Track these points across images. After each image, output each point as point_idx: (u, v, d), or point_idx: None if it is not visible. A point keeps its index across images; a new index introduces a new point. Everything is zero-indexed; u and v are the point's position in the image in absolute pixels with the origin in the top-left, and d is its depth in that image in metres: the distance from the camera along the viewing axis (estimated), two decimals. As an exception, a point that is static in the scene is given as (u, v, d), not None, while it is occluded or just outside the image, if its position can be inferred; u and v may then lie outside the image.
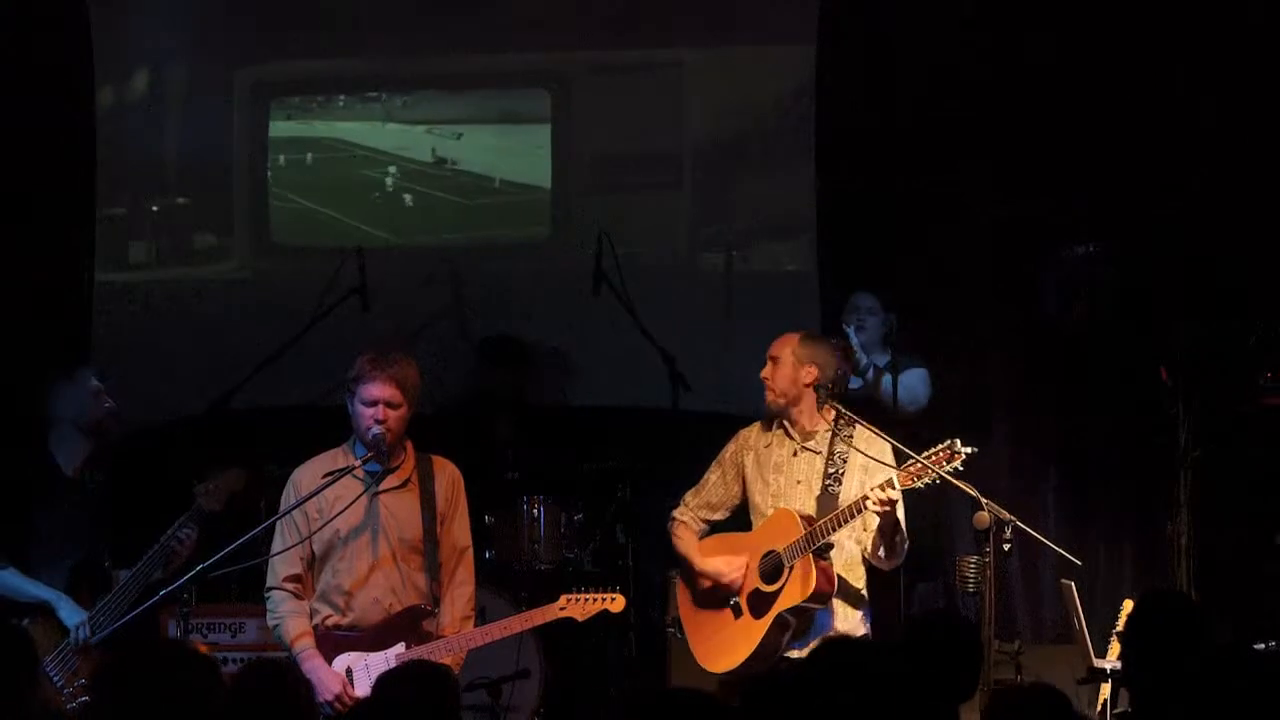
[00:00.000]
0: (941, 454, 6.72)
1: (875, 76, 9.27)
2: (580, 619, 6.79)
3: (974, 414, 9.12)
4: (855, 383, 8.27)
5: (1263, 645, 7.24)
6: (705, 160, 9.54)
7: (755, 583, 6.99)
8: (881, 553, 6.90)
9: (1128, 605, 7.33)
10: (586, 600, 6.78)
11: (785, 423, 7.09)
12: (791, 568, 6.89)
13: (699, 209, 9.52)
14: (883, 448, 7.02)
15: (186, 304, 9.50)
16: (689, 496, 7.23)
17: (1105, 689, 7.01)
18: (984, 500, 6.75)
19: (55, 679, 6.91)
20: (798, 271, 9.42)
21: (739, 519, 7.26)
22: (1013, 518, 6.69)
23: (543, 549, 8.60)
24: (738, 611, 7.00)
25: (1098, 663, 7.22)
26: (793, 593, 6.91)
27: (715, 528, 7.27)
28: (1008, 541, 6.69)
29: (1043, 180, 9.19)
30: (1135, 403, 9.03)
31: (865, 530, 6.92)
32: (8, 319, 8.92)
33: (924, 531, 8.25)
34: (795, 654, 6.97)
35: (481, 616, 7.26)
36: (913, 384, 8.50)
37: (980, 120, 9.22)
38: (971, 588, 7.90)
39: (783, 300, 9.36)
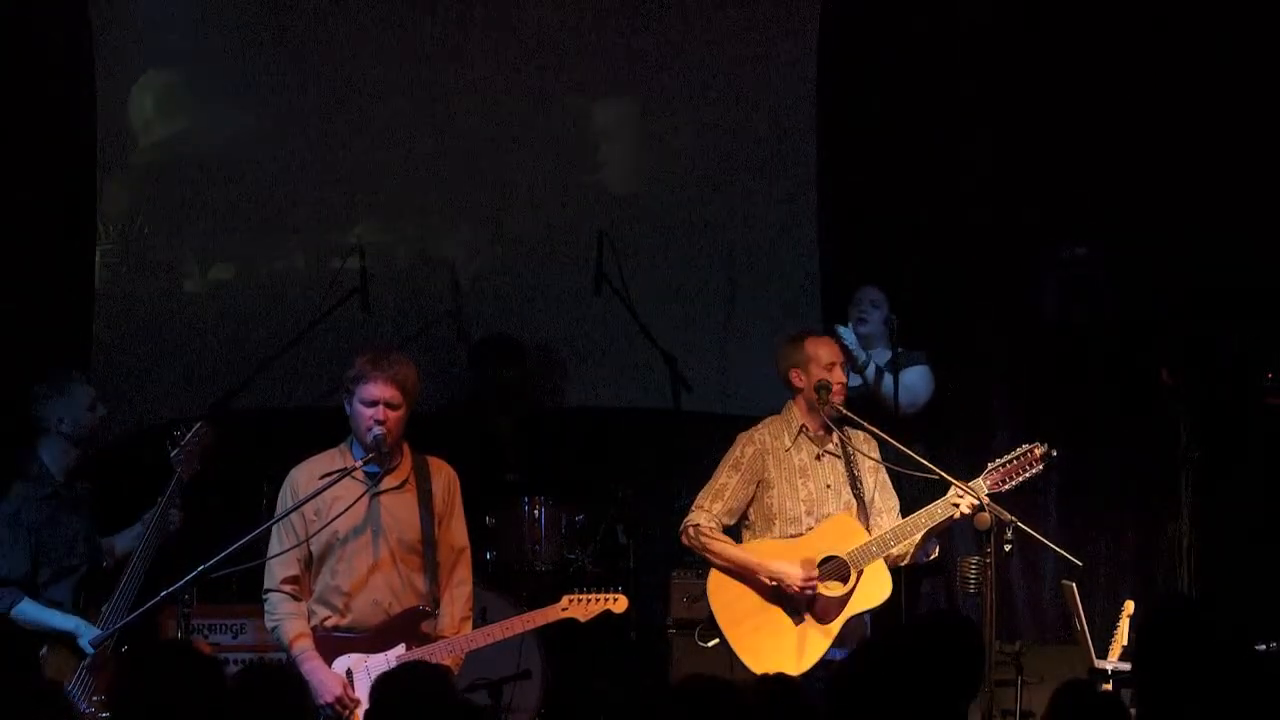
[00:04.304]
0: (1028, 456, 6.80)
1: (877, 76, 9.26)
2: (583, 619, 6.79)
3: (974, 414, 9.13)
4: (854, 381, 8.22)
5: (1263, 646, 7.24)
6: (705, 159, 9.53)
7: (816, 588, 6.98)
8: (920, 551, 7.00)
9: (1128, 606, 7.36)
10: (589, 600, 6.78)
11: (808, 426, 7.12)
12: (861, 572, 6.92)
13: (699, 208, 9.50)
14: (874, 444, 7.14)
15: (187, 304, 9.49)
16: (707, 503, 7.12)
17: (1106, 689, 7.00)
18: (985, 501, 6.76)
19: (79, 702, 6.91)
20: (799, 271, 9.41)
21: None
22: (1014, 518, 6.69)
23: (544, 550, 8.59)
24: (798, 617, 6.96)
25: (1099, 663, 7.22)
26: (869, 596, 6.94)
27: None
28: (1009, 542, 6.70)
29: (1042, 180, 9.19)
30: (1135, 403, 9.03)
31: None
32: (8, 319, 8.91)
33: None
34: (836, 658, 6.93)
35: (483, 617, 7.26)
36: (913, 382, 8.46)
37: (981, 120, 9.22)
38: (973, 588, 7.91)
39: (784, 300, 9.36)
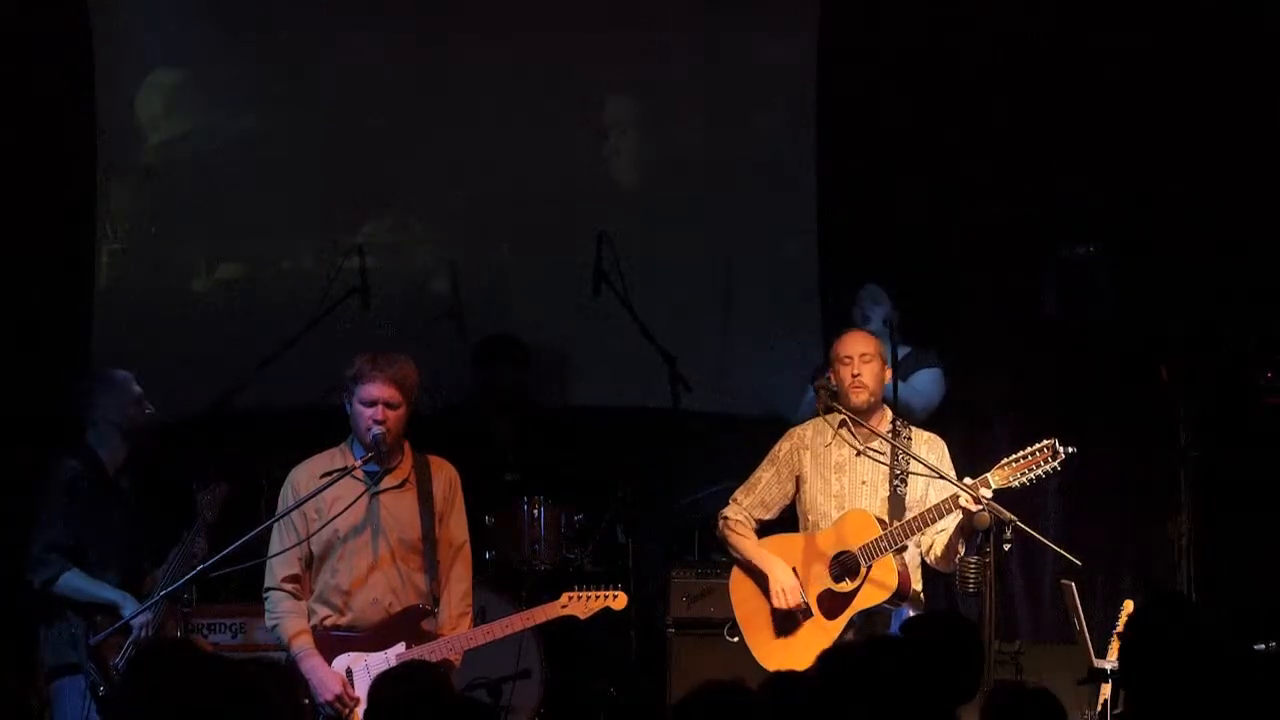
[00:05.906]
0: (1043, 453, 6.76)
1: (877, 75, 9.26)
2: (583, 617, 6.81)
3: (974, 414, 9.12)
4: None
5: (1263, 645, 7.24)
6: (706, 158, 9.53)
7: (825, 583, 6.99)
8: (955, 553, 6.93)
9: (1128, 605, 7.35)
10: (589, 598, 6.80)
11: (849, 423, 7.09)
12: (869, 568, 6.91)
13: (699, 208, 9.50)
14: (942, 451, 7.10)
15: (187, 303, 9.49)
16: (740, 495, 7.22)
17: (1105, 689, 7.01)
18: (986, 499, 6.75)
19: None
20: (798, 272, 9.41)
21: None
22: (1013, 518, 6.69)
23: (543, 549, 8.59)
24: (806, 613, 7.00)
25: (1098, 663, 7.21)
26: (873, 593, 6.94)
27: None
28: (1008, 542, 6.69)
29: (1043, 180, 9.19)
30: (1135, 403, 9.02)
31: (923, 533, 6.95)
32: (9, 318, 8.91)
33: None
34: None
35: (482, 616, 7.27)
36: (924, 385, 8.49)
37: (981, 119, 9.22)
38: (972, 588, 7.88)
39: (784, 300, 9.35)
